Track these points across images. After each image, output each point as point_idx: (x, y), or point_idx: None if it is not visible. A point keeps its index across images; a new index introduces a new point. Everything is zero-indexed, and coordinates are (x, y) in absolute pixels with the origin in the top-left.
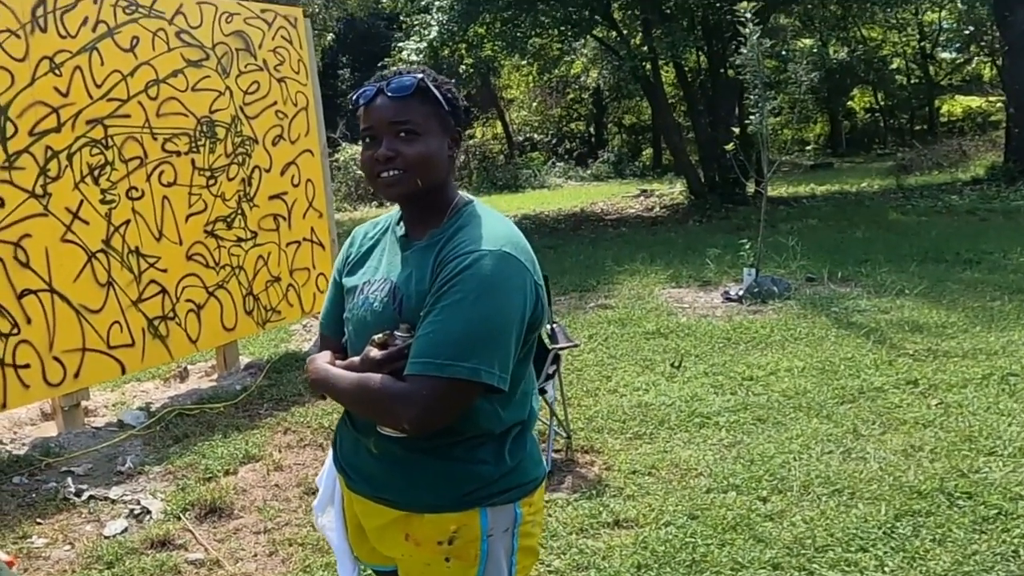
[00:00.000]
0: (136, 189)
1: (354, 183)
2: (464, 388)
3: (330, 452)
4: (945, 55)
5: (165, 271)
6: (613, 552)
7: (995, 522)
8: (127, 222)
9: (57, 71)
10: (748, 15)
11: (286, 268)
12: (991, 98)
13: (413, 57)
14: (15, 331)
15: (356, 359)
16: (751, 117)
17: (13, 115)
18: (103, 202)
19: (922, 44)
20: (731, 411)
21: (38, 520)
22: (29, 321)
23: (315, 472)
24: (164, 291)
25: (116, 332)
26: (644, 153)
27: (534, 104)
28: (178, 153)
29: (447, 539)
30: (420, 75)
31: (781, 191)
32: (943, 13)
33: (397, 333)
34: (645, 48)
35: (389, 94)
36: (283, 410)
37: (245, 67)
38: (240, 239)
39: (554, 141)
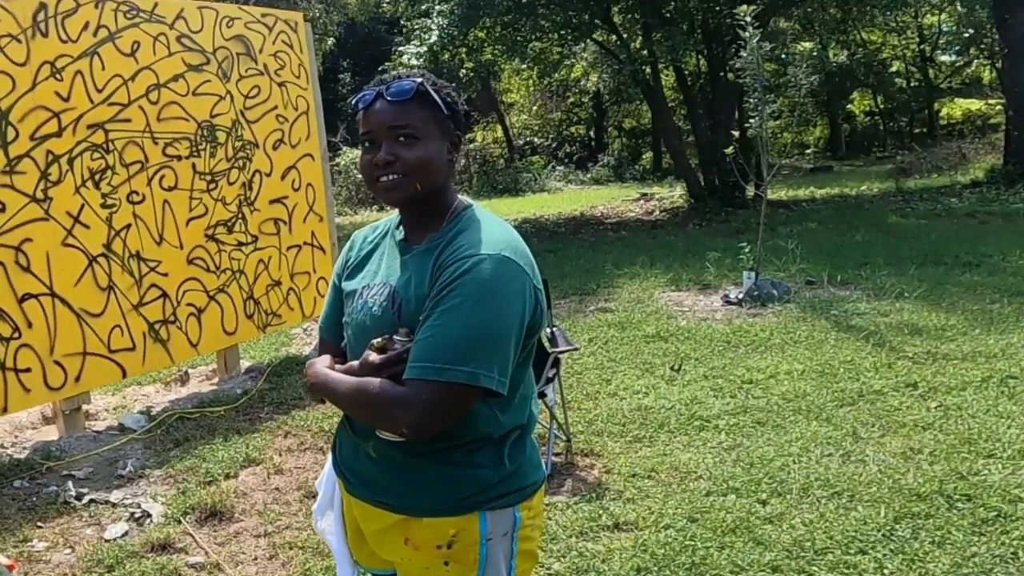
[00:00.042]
0: (137, 193)
1: (355, 187)
2: (463, 392)
3: (329, 456)
4: (945, 58)
5: (166, 275)
6: (613, 555)
7: (994, 524)
8: (128, 226)
9: (58, 76)
10: (748, 19)
11: (287, 272)
12: (991, 101)
13: (413, 61)
14: (16, 335)
15: (355, 363)
16: (751, 120)
17: (14, 119)
18: (104, 206)
19: (922, 47)
20: (731, 414)
21: (39, 524)
22: (30, 325)
23: (315, 476)
24: (165, 295)
25: (117, 336)
26: (644, 157)
27: (534, 108)
28: (179, 157)
29: (446, 543)
30: (419, 79)
31: (781, 194)
32: (943, 16)
33: (396, 337)
34: (645, 52)
35: (388, 98)
36: (284, 414)
37: (246, 71)
38: (241, 243)
39: (554, 145)
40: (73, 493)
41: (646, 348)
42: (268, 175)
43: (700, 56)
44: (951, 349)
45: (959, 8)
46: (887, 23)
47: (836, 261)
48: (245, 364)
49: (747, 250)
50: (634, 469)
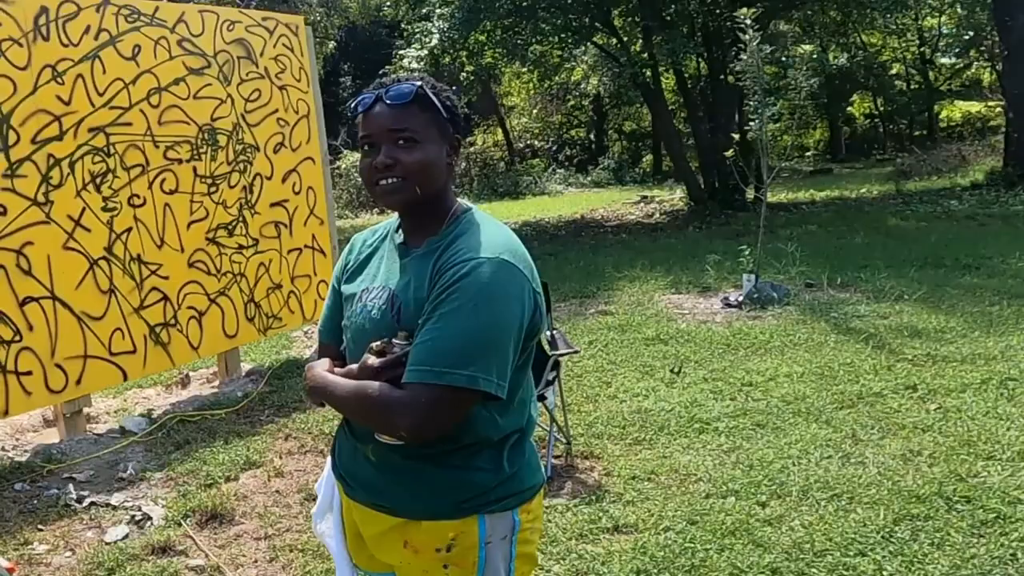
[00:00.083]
0: (138, 196)
1: (355, 190)
2: (462, 396)
3: (329, 459)
4: (945, 60)
5: (167, 278)
6: (612, 557)
7: (993, 526)
8: (129, 229)
9: (59, 79)
10: (748, 21)
11: (287, 275)
12: (990, 103)
13: (414, 64)
14: (17, 338)
15: (354, 366)
16: (751, 123)
17: (15, 123)
18: (105, 210)
19: (922, 49)
20: (730, 417)
21: (39, 527)
22: (31, 328)
23: (316, 478)
24: (166, 298)
25: (118, 339)
26: (644, 160)
27: (535, 111)
28: (180, 161)
29: (445, 546)
30: (419, 82)
31: (781, 197)
32: (943, 18)
33: (395, 341)
34: (645, 55)
35: (388, 101)
36: (284, 416)
37: (247, 75)
38: (241, 246)
39: (555, 148)
40: (74, 496)
41: (646, 351)
42: (269, 178)
43: (700, 59)
44: (951, 351)
45: (959, 10)
46: (887, 26)
47: (836, 263)
48: (246, 367)
49: (747, 253)
50: (634, 471)
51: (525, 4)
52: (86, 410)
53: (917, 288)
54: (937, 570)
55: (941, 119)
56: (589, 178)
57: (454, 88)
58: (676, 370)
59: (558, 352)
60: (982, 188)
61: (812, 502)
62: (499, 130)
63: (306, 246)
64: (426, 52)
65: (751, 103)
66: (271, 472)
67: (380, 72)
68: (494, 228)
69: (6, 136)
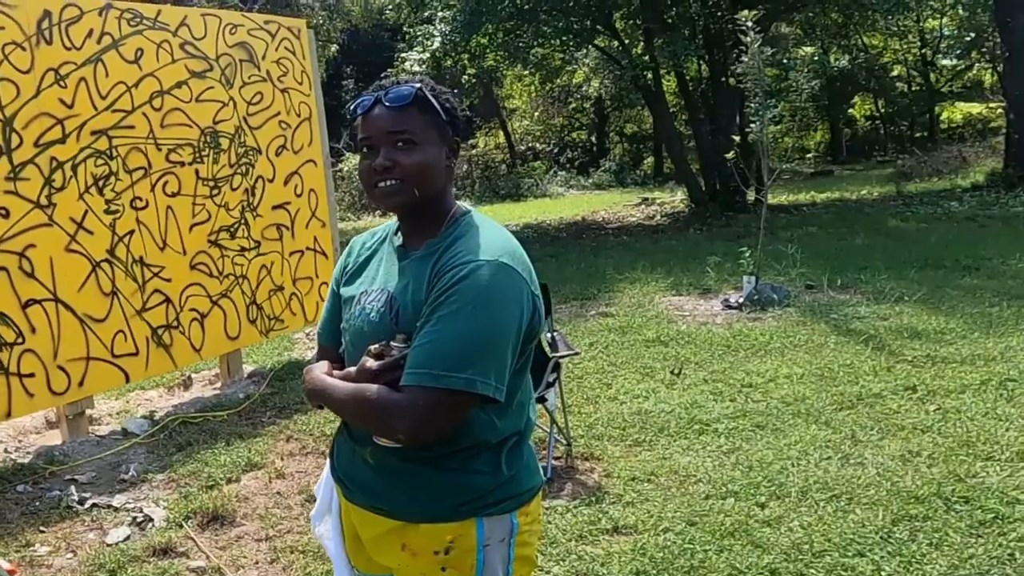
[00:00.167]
0: (140, 199)
1: (357, 192)
2: (460, 399)
3: (328, 462)
4: (946, 62)
5: (169, 280)
6: (612, 559)
7: (991, 526)
8: (131, 232)
9: (62, 83)
10: (749, 24)
11: (289, 277)
12: (991, 104)
13: (416, 67)
14: (20, 340)
15: (352, 369)
16: (752, 125)
17: (18, 126)
18: (107, 212)
19: (923, 51)
20: (730, 418)
21: (41, 528)
22: (34, 330)
23: (317, 480)
24: (168, 300)
25: (120, 341)
26: (645, 162)
27: (536, 114)
28: (182, 163)
29: (443, 549)
30: (418, 84)
31: (781, 199)
32: (944, 20)
33: (393, 344)
34: (646, 57)
35: (387, 104)
36: (286, 418)
37: (249, 78)
38: (243, 248)
39: (556, 150)
40: (76, 497)
41: (646, 352)
42: (271, 181)
43: (701, 61)
44: (950, 352)
45: (960, 12)
46: (888, 27)
47: (836, 265)
48: (248, 369)
49: (747, 254)
50: (634, 473)
51: (527, 7)
52: (88, 412)
53: (917, 289)
54: (935, 570)
55: (942, 121)
56: (590, 180)
57: (454, 90)
58: (676, 372)
59: (558, 354)
60: (982, 189)
61: (811, 503)
62: (501, 133)
63: (308, 248)
64: (428, 55)
65: (752, 105)
66: (272, 474)
67: (382, 75)
68: (493, 231)
69: (9, 139)
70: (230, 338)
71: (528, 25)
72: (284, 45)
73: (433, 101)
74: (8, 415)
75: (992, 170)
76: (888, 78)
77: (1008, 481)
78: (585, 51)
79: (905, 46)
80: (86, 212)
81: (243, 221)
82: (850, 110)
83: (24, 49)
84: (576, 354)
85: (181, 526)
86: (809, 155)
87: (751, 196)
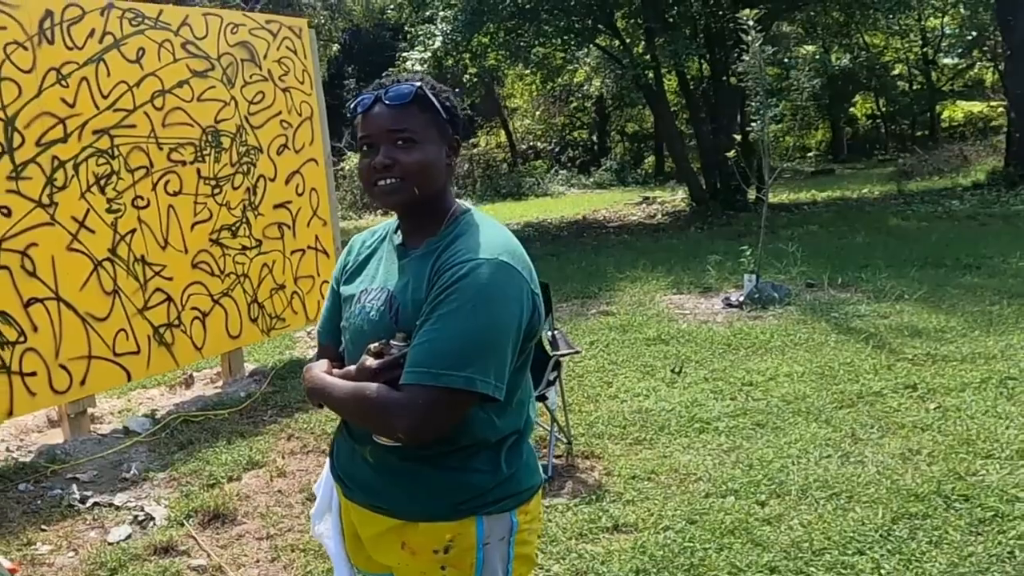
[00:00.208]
0: (142, 198)
1: (359, 191)
2: (459, 398)
3: (327, 460)
4: (947, 60)
5: (171, 279)
6: (612, 557)
7: (991, 524)
8: (133, 231)
9: (64, 82)
10: (750, 23)
11: (290, 276)
12: (993, 103)
13: (417, 67)
14: (22, 339)
15: (352, 368)
16: (753, 124)
17: (20, 126)
18: (109, 211)
19: (924, 50)
20: (731, 416)
21: (43, 527)
22: (36, 329)
23: (318, 478)
24: (169, 299)
25: (122, 340)
26: (646, 161)
27: (537, 113)
28: (183, 162)
29: (443, 548)
30: (418, 83)
31: (782, 197)
32: (946, 19)
33: (393, 342)
34: (648, 56)
35: (387, 102)
36: (287, 416)
37: (250, 77)
38: (245, 247)
39: (557, 149)
40: (77, 496)
41: (647, 351)
42: (272, 180)
43: (702, 60)
44: (950, 351)
45: (962, 10)
46: (890, 26)
47: (837, 264)
48: (249, 367)
49: (748, 253)
50: (634, 471)
51: (528, 6)
52: (90, 410)
53: (918, 288)
54: (935, 568)
55: (943, 119)
56: (591, 179)
57: (455, 89)
58: (677, 370)
59: (559, 352)
60: (983, 188)
61: (811, 501)
62: (502, 132)
63: (309, 247)
64: (429, 54)
65: (753, 104)
66: (274, 472)
67: (384, 74)
68: (493, 229)
69: (11, 139)
70: (231, 337)
71: (529, 24)
72: (285, 44)
73: (433, 99)
74: (10, 414)
75: (993, 168)
76: (889, 77)
77: (1008, 479)
78: (586, 50)
79: (906, 45)
80: (88, 211)
81: (244, 220)
82: (851, 109)
83: (26, 49)
84: (577, 352)
85: (182, 524)
86: (810, 154)
87: (752, 195)
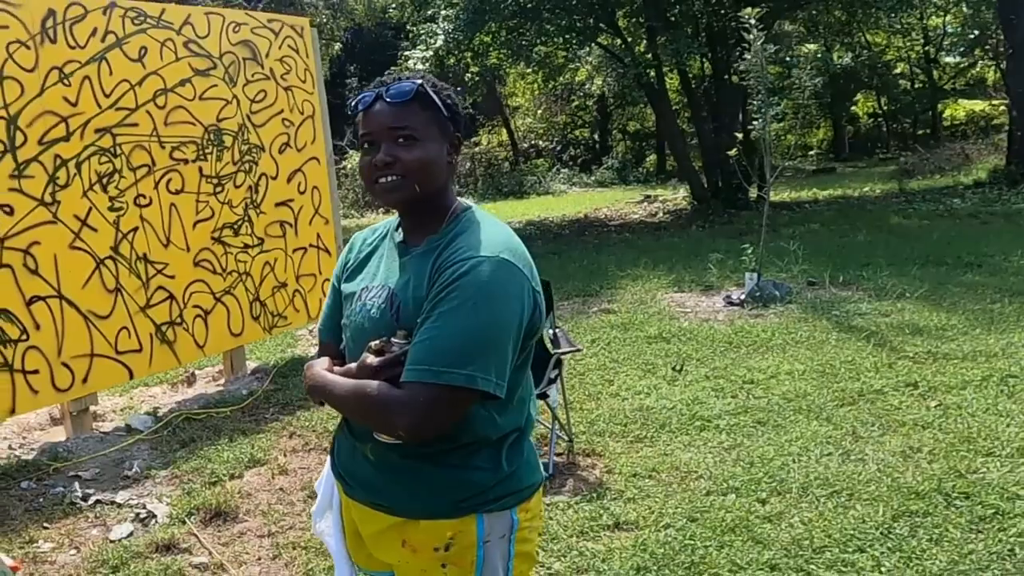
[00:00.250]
0: (144, 196)
1: (360, 190)
2: (460, 395)
3: (328, 458)
4: (949, 59)
5: (173, 277)
6: (613, 554)
7: (992, 521)
8: (135, 229)
9: (66, 81)
10: (752, 21)
11: (292, 274)
12: (994, 101)
13: (419, 66)
14: (24, 337)
15: (353, 365)
16: (754, 123)
17: (23, 124)
18: (111, 209)
19: (926, 48)
20: (731, 414)
21: (45, 524)
22: (38, 327)
23: (319, 476)
24: (172, 297)
25: (124, 338)
26: (648, 159)
27: (539, 111)
28: (185, 161)
29: (443, 545)
30: (419, 80)
31: (784, 196)
32: (948, 17)
33: (394, 340)
34: (649, 55)
35: (388, 100)
36: (289, 414)
37: (252, 76)
38: (247, 245)
39: (559, 148)
40: (79, 494)
41: (648, 349)
42: (274, 178)
43: (704, 59)
44: (951, 349)
45: (964, 9)
46: (892, 25)
47: (838, 262)
48: (251, 365)
49: (749, 251)
50: (635, 469)
51: (530, 5)
52: (92, 408)
53: (919, 286)
54: (935, 566)
55: (945, 118)
56: (593, 178)
57: (456, 87)
58: (678, 368)
59: (560, 350)
60: (985, 186)
61: (812, 499)
62: (504, 130)
63: (311, 245)
64: (431, 53)
65: (755, 103)
66: (275, 470)
67: (386, 73)
68: (494, 227)
69: (13, 137)
70: (233, 335)
71: (531, 23)
72: (287, 43)
73: (434, 97)
74: (12, 411)
75: (994, 167)
76: (891, 75)
77: (1008, 477)
78: (588, 49)
79: (908, 43)
80: (90, 209)
81: (246, 218)
82: (853, 107)
83: (29, 48)
84: (578, 350)
85: (184, 522)
86: (811, 152)
87: (753, 193)
